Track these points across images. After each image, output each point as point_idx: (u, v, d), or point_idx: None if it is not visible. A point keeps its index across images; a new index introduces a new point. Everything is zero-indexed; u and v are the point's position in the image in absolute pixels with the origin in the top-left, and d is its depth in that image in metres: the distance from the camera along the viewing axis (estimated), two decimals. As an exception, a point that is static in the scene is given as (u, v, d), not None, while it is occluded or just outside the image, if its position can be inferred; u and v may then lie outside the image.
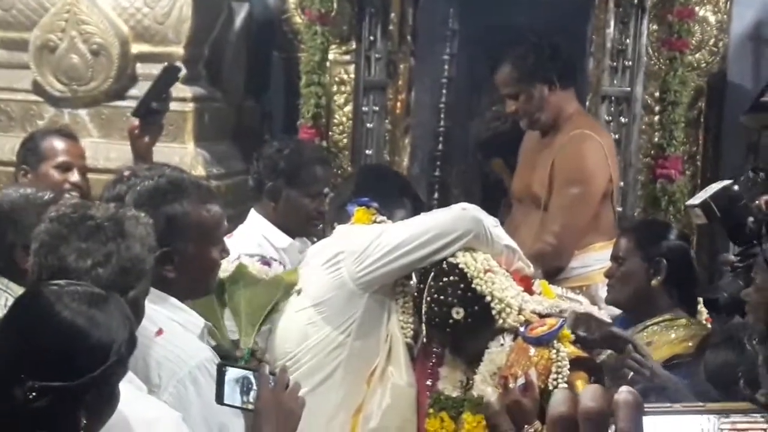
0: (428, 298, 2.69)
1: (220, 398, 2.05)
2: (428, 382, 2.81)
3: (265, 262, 2.99)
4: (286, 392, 2.05)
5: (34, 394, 1.62)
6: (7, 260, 2.63)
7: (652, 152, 4.27)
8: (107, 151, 4.47)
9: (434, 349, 2.83)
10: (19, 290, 2.45)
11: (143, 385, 2.02)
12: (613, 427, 0.77)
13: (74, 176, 3.43)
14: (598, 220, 3.68)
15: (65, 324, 1.68)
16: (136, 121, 3.45)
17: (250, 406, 2.04)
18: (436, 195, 5.33)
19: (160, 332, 2.24)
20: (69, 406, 1.66)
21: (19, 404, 1.63)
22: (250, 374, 2.05)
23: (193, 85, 4.57)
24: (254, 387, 2.04)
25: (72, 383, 1.64)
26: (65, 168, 3.43)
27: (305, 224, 3.36)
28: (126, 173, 2.96)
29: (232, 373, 2.05)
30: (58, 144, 3.47)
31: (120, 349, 1.70)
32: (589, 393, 0.79)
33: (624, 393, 0.78)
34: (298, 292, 2.87)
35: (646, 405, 0.78)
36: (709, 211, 2.80)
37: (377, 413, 2.78)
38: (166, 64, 3.77)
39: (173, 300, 2.31)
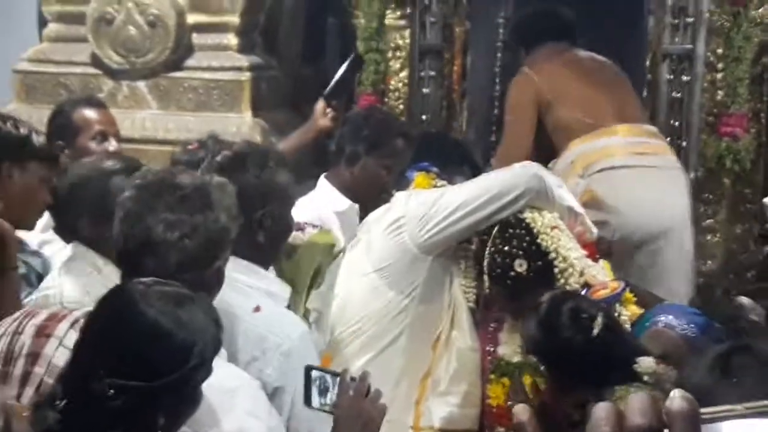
0: (492, 249, 2.68)
1: (308, 401, 2.02)
2: (489, 348, 2.80)
3: (299, 227, 2.99)
4: (367, 399, 2.00)
5: (112, 391, 1.60)
6: (73, 231, 2.65)
7: (715, 110, 4.18)
8: (166, 122, 4.50)
9: (495, 314, 2.82)
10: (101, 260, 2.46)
11: (224, 352, 2.00)
12: None
13: (112, 145, 3.39)
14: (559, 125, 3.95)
15: (148, 323, 1.66)
16: (321, 103, 3.60)
17: (330, 409, 2.01)
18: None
19: (258, 309, 2.24)
20: (147, 406, 1.64)
21: (97, 401, 1.61)
22: (328, 376, 2.03)
23: (249, 54, 4.57)
24: (330, 389, 2.01)
25: (151, 384, 1.62)
26: (102, 138, 3.39)
27: (376, 194, 3.32)
28: (191, 146, 3.01)
29: (315, 374, 2.03)
30: (91, 114, 3.43)
31: (203, 351, 1.68)
32: (636, 405, 0.65)
33: (677, 400, 0.64)
34: (344, 253, 2.87)
35: (702, 410, 0.66)
36: None
37: (445, 377, 2.78)
38: (353, 54, 3.92)
39: (260, 270, 2.32)
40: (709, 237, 4.06)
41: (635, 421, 0.64)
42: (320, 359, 2.59)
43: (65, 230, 2.67)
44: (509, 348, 2.74)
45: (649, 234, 3.61)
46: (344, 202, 3.24)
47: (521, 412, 0.70)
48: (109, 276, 2.32)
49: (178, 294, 1.73)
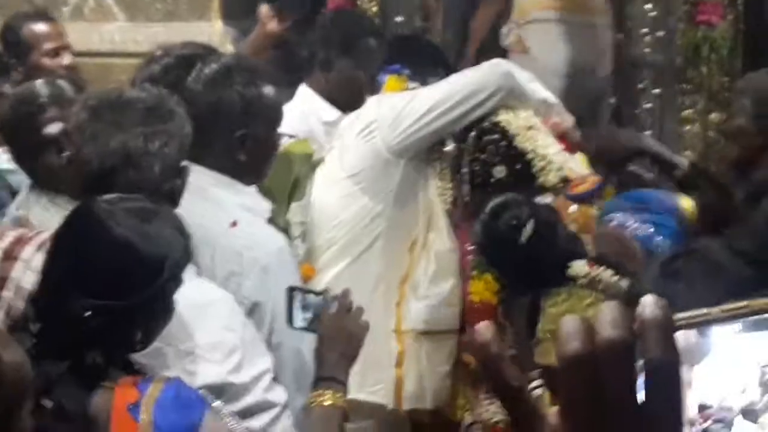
0: (469, 157, 2.68)
1: (290, 320, 2.03)
2: (469, 246, 2.80)
3: None
4: (349, 315, 2.03)
5: (88, 312, 1.61)
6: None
7: (692, -1, 4.13)
8: (134, 34, 4.42)
9: (473, 212, 2.82)
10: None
11: (192, 267, 2.00)
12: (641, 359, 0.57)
13: (66, 59, 3.32)
14: None
15: (118, 241, 1.66)
16: (265, 8, 3.52)
17: (313, 328, 2.03)
18: (471, 59, 5.22)
19: (234, 224, 2.22)
20: (123, 323, 1.65)
21: (73, 322, 1.62)
22: (309, 295, 2.05)
23: (216, -40, 4.47)
24: (312, 307, 2.03)
25: (127, 301, 1.64)
26: (54, 53, 3.31)
27: (358, 97, 3.26)
28: (158, 53, 2.92)
29: (297, 294, 2.04)
30: (41, 29, 3.34)
31: (174, 264, 1.69)
32: (608, 316, 0.57)
33: (650, 307, 0.57)
34: (322, 163, 2.84)
35: (675, 316, 0.59)
36: None
37: (424, 280, 2.79)
38: None
39: (240, 185, 2.29)
40: (687, 127, 4.04)
41: (607, 334, 0.57)
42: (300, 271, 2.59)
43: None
44: (490, 245, 2.75)
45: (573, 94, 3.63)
46: (333, 112, 3.17)
47: (484, 330, 0.62)
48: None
49: (143, 209, 1.73)
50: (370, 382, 2.71)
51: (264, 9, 3.57)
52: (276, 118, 2.36)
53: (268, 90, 2.32)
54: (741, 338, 0.63)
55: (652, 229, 2.48)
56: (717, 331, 0.63)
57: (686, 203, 2.63)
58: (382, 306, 2.74)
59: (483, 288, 2.75)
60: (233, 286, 2.11)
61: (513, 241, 2.32)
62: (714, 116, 4.01)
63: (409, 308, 2.80)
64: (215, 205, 2.24)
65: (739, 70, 4.03)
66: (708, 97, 4.05)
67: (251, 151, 2.28)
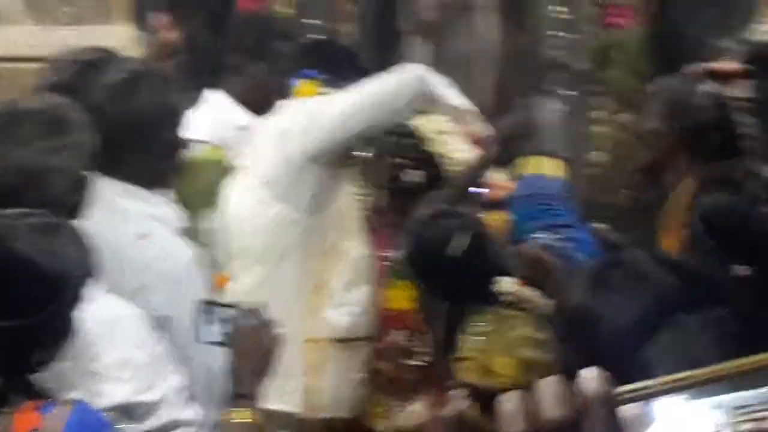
0: (383, 162, 2.68)
1: (201, 335, 1.98)
2: (384, 253, 2.80)
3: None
4: (263, 329, 1.98)
5: None
6: None
7: (602, 1, 4.19)
8: (41, 38, 4.32)
9: (389, 219, 2.82)
10: None
11: (99, 281, 1.95)
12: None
13: None
14: None
15: (19, 258, 1.61)
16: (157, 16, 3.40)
17: (225, 341, 1.98)
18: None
19: (143, 236, 2.18)
20: (25, 343, 1.61)
21: None
22: (221, 308, 2.00)
23: (122, -40, 4.40)
24: (224, 321, 1.98)
25: (28, 320, 1.59)
26: None
27: (270, 101, 3.22)
28: (59, 59, 2.84)
29: (207, 307, 2.00)
30: None
31: (78, 280, 1.65)
32: (549, 395, 0.57)
33: (591, 382, 0.58)
34: (237, 171, 2.80)
35: (618, 390, 0.60)
36: None
37: (339, 287, 2.78)
38: None
39: (148, 194, 2.25)
40: (598, 128, 4.11)
41: (551, 413, 0.57)
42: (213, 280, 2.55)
43: None
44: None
45: None
46: (245, 117, 3.12)
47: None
48: None
49: (45, 224, 1.68)
50: (284, 391, 2.68)
51: (156, 19, 3.52)
52: (180, 120, 2.32)
53: (176, 96, 2.29)
54: (684, 407, 0.64)
55: (571, 246, 2.48)
56: (661, 400, 0.63)
57: (555, 170, 2.66)
58: (296, 313, 2.72)
59: (399, 295, 2.75)
60: (142, 299, 2.06)
61: (444, 253, 2.29)
62: (623, 118, 4.08)
63: (324, 316, 2.78)
64: (122, 216, 2.19)
65: (647, 73, 4.11)
66: (617, 99, 4.12)
67: (159, 160, 2.24)
